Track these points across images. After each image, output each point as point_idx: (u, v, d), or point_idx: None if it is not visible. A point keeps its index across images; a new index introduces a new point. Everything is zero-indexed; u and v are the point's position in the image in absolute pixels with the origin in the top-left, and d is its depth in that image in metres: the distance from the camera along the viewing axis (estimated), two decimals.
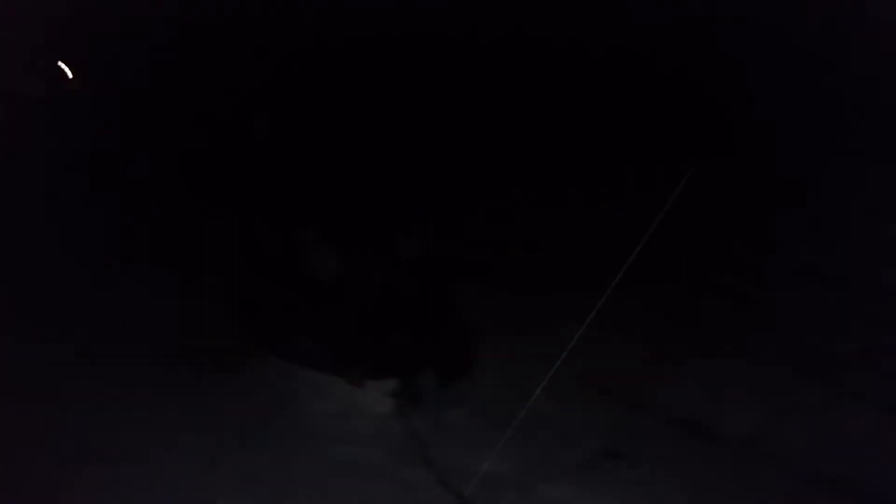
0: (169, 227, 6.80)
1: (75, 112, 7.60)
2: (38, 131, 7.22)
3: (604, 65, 9.72)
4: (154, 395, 4.63)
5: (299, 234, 5.75)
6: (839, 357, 5.04)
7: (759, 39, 9.87)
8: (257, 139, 6.75)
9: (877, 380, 4.80)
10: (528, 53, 9.96)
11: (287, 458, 4.07)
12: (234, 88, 7.59)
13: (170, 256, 6.52)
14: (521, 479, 3.87)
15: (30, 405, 4.49)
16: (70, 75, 8.09)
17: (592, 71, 9.67)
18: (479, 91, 9.49)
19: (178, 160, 7.01)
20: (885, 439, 4.23)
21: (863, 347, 5.16)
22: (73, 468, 3.97)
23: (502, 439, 4.16)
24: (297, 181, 6.36)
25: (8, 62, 7.34)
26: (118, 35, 7.81)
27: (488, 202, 7.54)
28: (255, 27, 8.30)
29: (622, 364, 5.06)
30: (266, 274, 5.63)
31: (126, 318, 5.50)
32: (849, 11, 8.66)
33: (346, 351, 4.67)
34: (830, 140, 8.67)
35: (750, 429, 4.32)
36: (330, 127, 7.41)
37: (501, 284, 5.95)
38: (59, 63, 8.17)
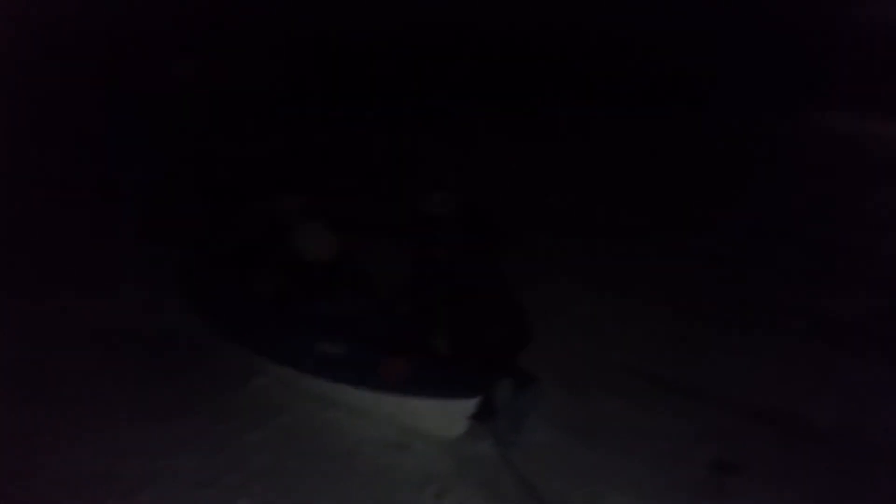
0: None
1: None
2: None
3: None
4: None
5: (279, 204, 4.68)
6: None
7: None
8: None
9: None
10: None
11: None
12: None
13: None
14: None
15: None
16: None
17: None
18: None
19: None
20: None
21: None
22: None
23: (601, 458, 3.59)
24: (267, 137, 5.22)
25: None
26: None
27: None
28: None
29: (677, 350, 4.64)
30: (241, 258, 4.53)
31: None
32: None
33: (382, 351, 3.72)
34: None
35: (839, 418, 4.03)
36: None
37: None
38: None
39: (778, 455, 3.70)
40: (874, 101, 15.30)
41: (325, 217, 4.55)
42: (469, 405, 3.42)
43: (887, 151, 12.29)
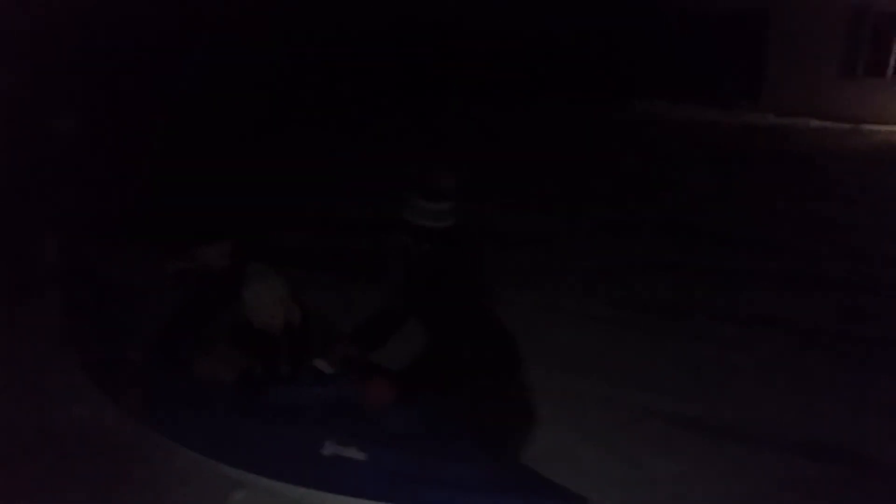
0: None
1: None
2: None
3: None
4: None
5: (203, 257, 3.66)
6: None
7: None
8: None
9: None
10: None
11: None
12: None
13: None
14: None
15: None
16: None
17: None
18: None
19: None
20: None
21: None
22: None
23: None
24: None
25: None
26: None
27: None
28: None
29: (686, 378, 4.18)
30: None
31: None
32: None
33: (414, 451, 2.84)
34: None
35: None
36: None
37: None
38: None
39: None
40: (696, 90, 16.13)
41: (271, 261, 3.62)
42: None
43: (727, 137, 12.89)
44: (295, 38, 13.04)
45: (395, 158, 9.01)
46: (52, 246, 4.36)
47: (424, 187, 3.15)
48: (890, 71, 13.77)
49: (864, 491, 3.30)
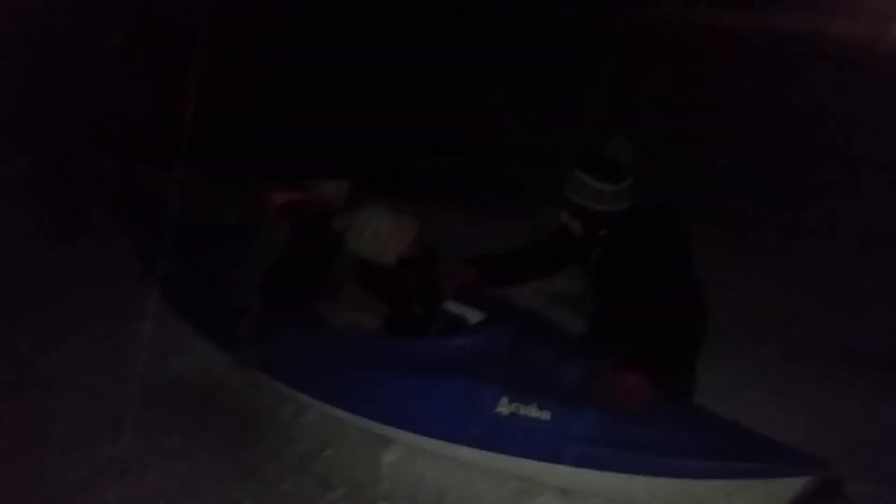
0: None
1: None
2: None
3: None
4: None
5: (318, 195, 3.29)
6: None
7: None
8: None
9: None
10: None
11: None
12: None
13: None
14: None
15: None
16: None
17: None
18: None
19: None
20: None
21: None
22: None
23: None
24: None
25: None
26: None
27: None
28: None
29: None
30: None
31: None
32: None
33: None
34: None
35: None
36: None
37: None
38: None
39: None
40: None
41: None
42: (797, 485, 2.35)
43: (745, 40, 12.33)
44: None
45: None
46: (124, 177, 3.95)
47: (597, 164, 2.72)
48: None
49: None
